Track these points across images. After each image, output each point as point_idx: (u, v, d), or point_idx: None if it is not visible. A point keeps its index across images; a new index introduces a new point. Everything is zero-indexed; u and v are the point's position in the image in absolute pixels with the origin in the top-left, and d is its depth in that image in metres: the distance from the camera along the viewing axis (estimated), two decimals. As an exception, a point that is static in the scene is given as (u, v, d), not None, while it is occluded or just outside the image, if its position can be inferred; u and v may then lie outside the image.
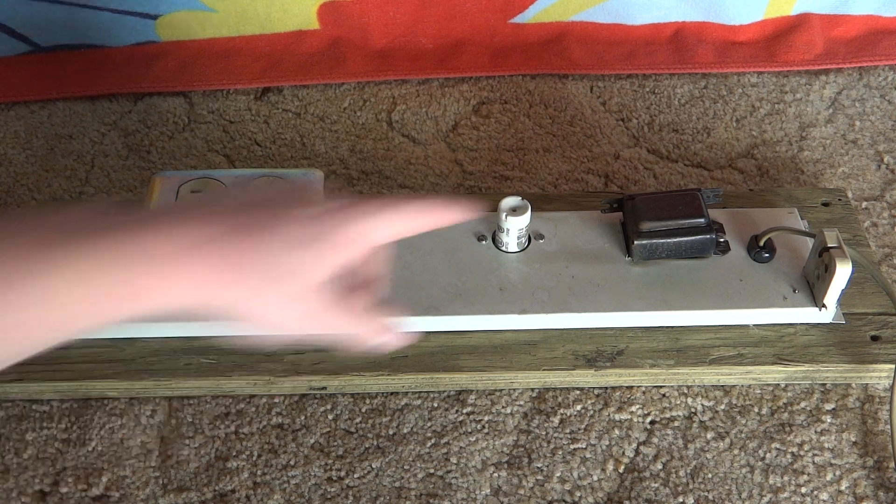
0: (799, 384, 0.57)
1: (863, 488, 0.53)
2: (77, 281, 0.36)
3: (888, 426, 0.55)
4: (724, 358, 0.56)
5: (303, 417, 0.56)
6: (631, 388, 0.57)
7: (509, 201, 0.59)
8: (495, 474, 0.54)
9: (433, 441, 0.55)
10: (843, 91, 0.79)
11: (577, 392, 0.57)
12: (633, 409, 0.56)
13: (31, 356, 0.37)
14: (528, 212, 0.58)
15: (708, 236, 0.58)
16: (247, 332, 0.41)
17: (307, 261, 0.40)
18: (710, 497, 0.53)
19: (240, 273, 0.39)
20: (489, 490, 0.53)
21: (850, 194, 0.68)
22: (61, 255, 0.36)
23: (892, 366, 0.56)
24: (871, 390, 0.57)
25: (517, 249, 0.60)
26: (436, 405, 0.57)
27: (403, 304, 0.57)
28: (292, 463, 0.54)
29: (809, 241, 0.60)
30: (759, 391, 0.57)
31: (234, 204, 0.41)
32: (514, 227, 0.59)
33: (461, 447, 0.55)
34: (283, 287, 0.40)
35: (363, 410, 0.57)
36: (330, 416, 0.56)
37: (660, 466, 0.54)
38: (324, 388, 0.57)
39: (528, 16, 0.82)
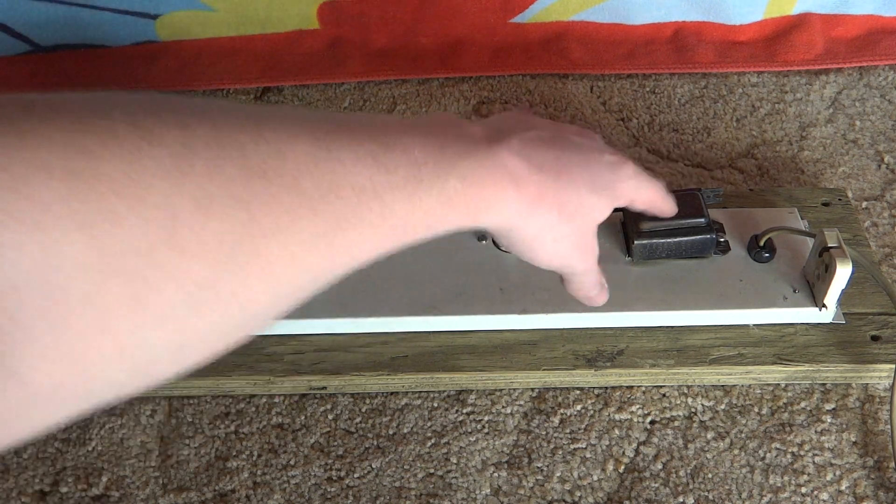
0: (799, 384, 0.57)
1: (863, 488, 0.53)
2: (461, 179, 0.38)
3: (888, 426, 0.55)
4: (724, 358, 0.56)
5: (303, 417, 0.56)
6: (631, 388, 0.57)
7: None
8: (495, 474, 0.54)
9: (433, 441, 0.55)
10: (844, 91, 0.79)
11: (577, 392, 0.57)
12: (633, 409, 0.56)
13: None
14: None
15: (708, 236, 0.58)
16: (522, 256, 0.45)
17: (596, 205, 0.44)
18: (710, 497, 0.53)
19: (550, 205, 0.42)
20: (489, 490, 0.53)
21: (850, 194, 0.68)
22: (449, 164, 0.38)
23: (893, 366, 0.56)
24: (871, 390, 0.57)
25: (517, 249, 0.60)
26: (436, 405, 0.57)
27: (403, 304, 0.57)
28: (292, 463, 0.54)
29: (809, 241, 0.60)
30: (759, 391, 0.57)
31: (551, 138, 0.44)
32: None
33: (461, 447, 0.55)
34: (572, 224, 0.44)
35: (363, 410, 0.57)
36: (330, 416, 0.56)
37: (660, 466, 0.54)
38: (324, 387, 0.57)
39: (528, 15, 0.82)
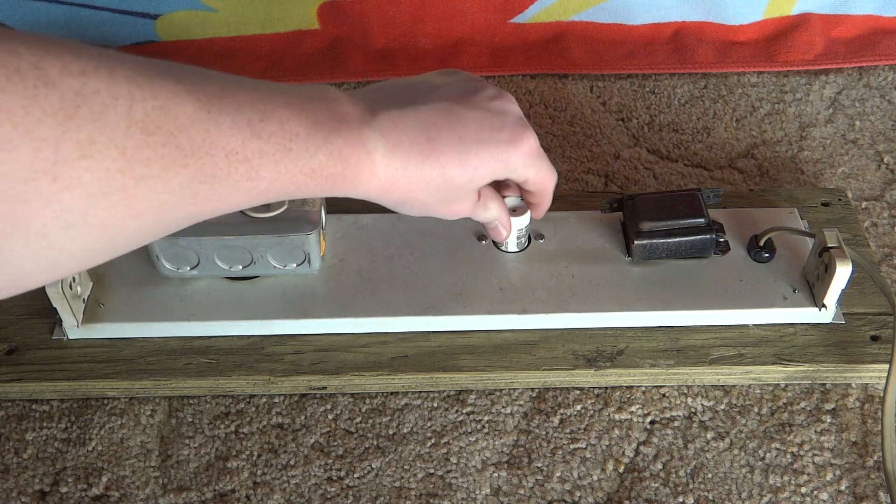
0: (799, 384, 0.57)
1: (863, 488, 0.53)
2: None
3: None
4: (724, 358, 0.56)
5: (303, 417, 0.56)
6: (631, 388, 0.57)
7: (509, 201, 0.59)
8: (495, 474, 0.54)
9: (433, 441, 0.55)
10: (843, 91, 0.79)
11: (577, 392, 0.57)
12: (633, 409, 0.56)
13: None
14: (528, 212, 0.58)
15: (708, 236, 0.58)
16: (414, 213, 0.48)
17: (471, 177, 0.47)
18: (710, 497, 0.53)
19: (405, 189, 0.45)
20: (489, 490, 0.53)
21: (850, 194, 0.68)
22: (321, 139, 0.41)
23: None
24: (870, 390, 0.57)
25: (517, 249, 0.60)
26: (436, 405, 0.57)
27: (403, 304, 0.57)
28: (292, 463, 0.54)
29: (809, 241, 0.60)
30: (759, 391, 0.57)
31: (436, 113, 0.47)
32: (514, 227, 0.59)
33: (461, 447, 0.55)
34: (436, 196, 0.47)
35: (363, 410, 0.57)
36: (330, 416, 0.56)
37: (660, 466, 0.54)
38: (324, 387, 0.57)
39: (528, 16, 0.82)
